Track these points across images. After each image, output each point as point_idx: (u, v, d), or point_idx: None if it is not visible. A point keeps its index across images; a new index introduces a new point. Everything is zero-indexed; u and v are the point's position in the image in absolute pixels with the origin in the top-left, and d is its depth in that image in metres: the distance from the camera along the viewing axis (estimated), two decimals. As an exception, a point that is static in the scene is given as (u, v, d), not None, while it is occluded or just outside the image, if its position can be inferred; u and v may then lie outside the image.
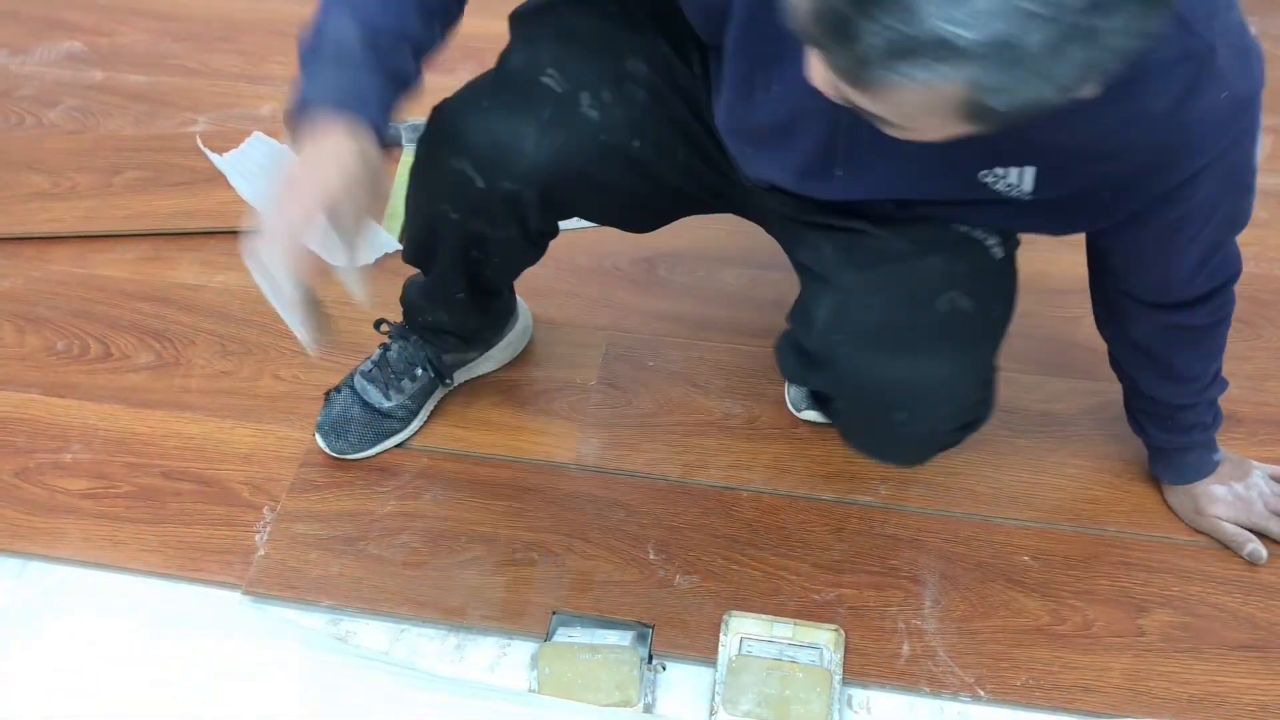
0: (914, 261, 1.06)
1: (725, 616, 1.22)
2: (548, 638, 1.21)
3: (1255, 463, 1.31)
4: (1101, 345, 1.47)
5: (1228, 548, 1.28)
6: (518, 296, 1.47)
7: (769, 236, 1.23)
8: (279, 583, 1.27)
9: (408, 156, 1.75)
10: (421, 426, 1.42)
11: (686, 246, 1.65)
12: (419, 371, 1.37)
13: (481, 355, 1.44)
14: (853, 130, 0.93)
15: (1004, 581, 1.26)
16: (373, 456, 1.39)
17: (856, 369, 1.06)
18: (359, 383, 1.38)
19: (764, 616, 1.22)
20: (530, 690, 1.17)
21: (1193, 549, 1.28)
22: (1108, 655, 1.20)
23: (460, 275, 1.24)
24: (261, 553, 1.29)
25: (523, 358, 1.49)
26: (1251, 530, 1.27)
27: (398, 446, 1.40)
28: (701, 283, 1.60)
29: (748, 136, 1.06)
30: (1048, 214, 1.00)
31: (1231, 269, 1.12)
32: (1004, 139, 0.75)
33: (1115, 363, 1.26)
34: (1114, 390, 1.42)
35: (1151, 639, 1.21)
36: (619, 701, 1.15)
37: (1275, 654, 1.19)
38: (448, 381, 1.40)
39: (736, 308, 1.57)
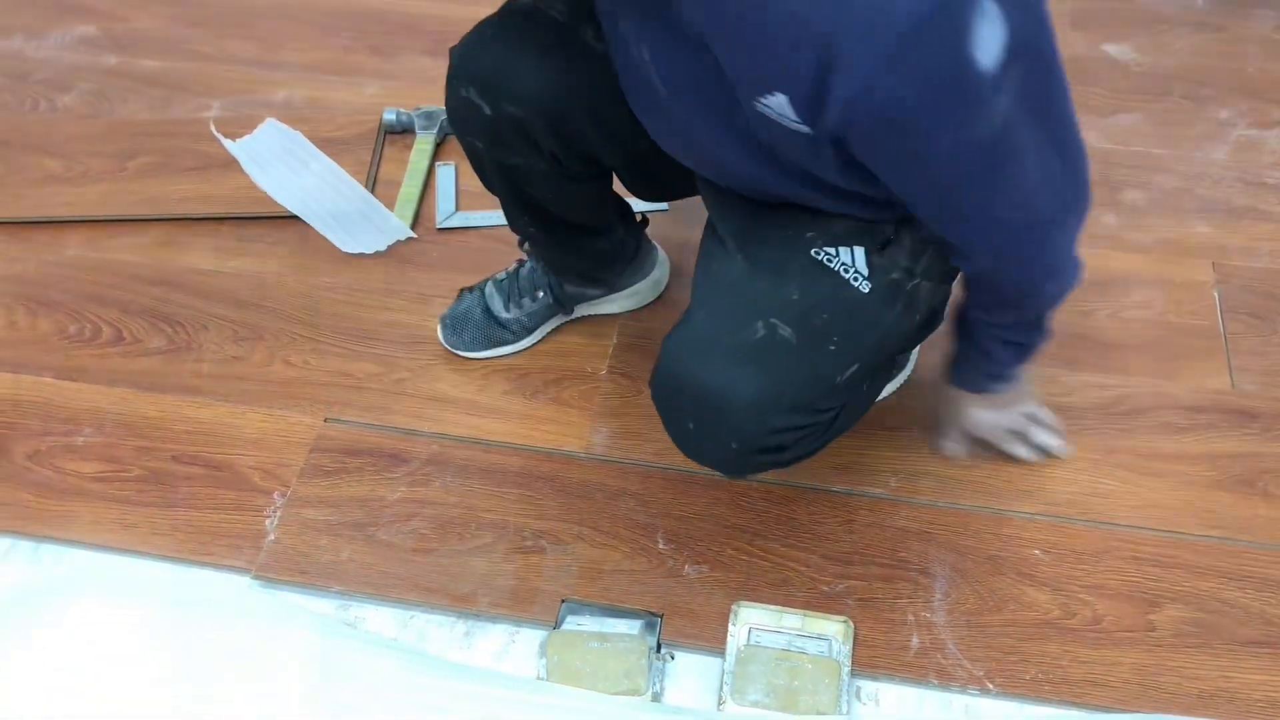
0: (746, 284, 1.07)
1: (734, 607, 1.22)
2: (556, 626, 1.21)
3: (1034, 396, 1.33)
4: (1113, 338, 1.47)
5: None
6: (659, 250, 1.51)
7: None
8: (289, 568, 1.27)
9: (421, 144, 1.74)
10: (534, 344, 1.47)
11: (697, 235, 1.64)
12: (540, 294, 1.43)
13: (604, 296, 1.48)
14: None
15: (1014, 575, 1.25)
16: (483, 359, 1.46)
17: (666, 368, 1.08)
18: (489, 288, 1.45)
19: (773, 607, 1.22)
20: (539, 678, 1.18)
21: (1205, 544, 1.27)
22: (1118, 650, 1.19)
23: (521, 209, 1.29)
24: (271, 537, 1.29)
25: (535, 346, 1.49)
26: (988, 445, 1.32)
27: (506, 357, 1.46)
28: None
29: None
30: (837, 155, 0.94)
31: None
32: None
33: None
34: (1126, 385, 1.42)
35: (1162, 634, 1.20)
36: (627, 690, 1.15)
37: (1287, 651, 1.19)
38: (567, 311, 1.47)
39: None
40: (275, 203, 1.58)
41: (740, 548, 1.29)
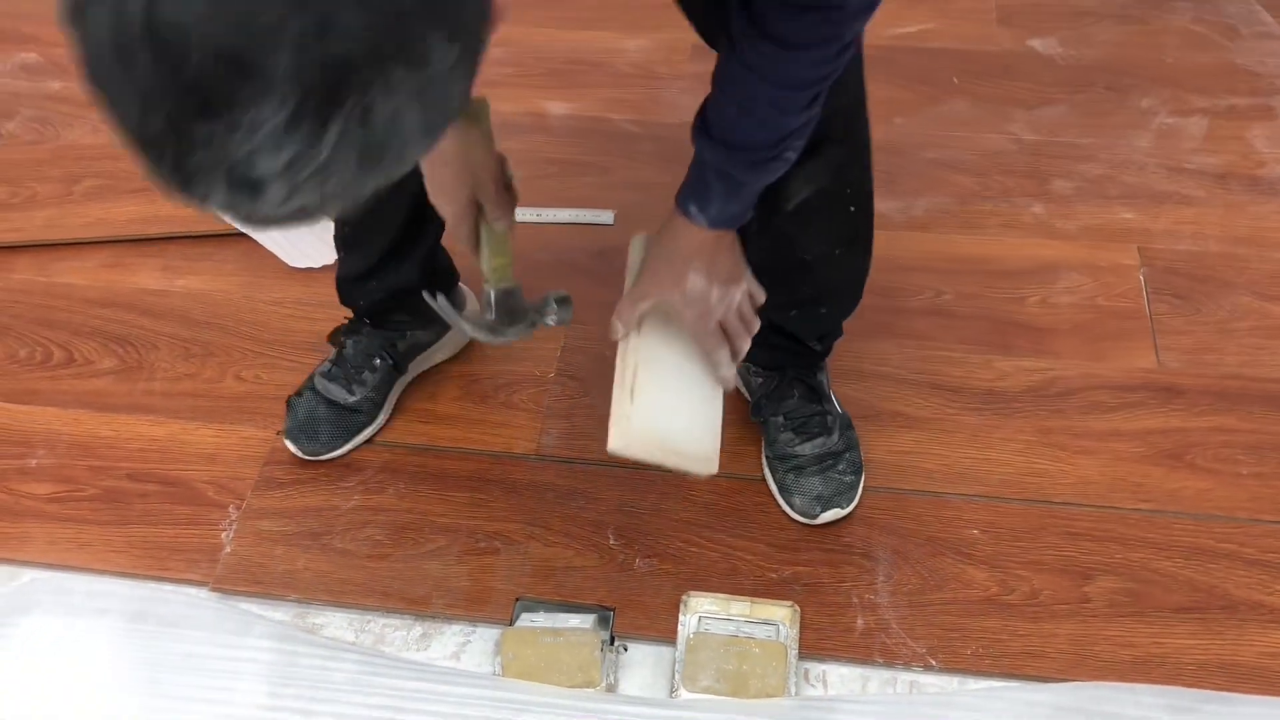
0: None
1: (684, 597, 1.25)
2: (511, 623, 1.24)
3: (748, 281, 1.16)
4: (1045, 323, 1.52)
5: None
6: (463, 288, 1.49)
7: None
8: (245, 578, 1.29)
9: None
10: (388, 420, 1.44)
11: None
12: (377, 362, 1.40)
13: (435, 343, 1.46)
14: None
15: (953, 555, 1.29)
16: (344, 455, 1.41)
17: None
18: (320, 383, 1.40)
19: (721, 596, 1.25)
20: (493, 673, 1.20)
21: (1136, 517, 1.32)
22: (1054, 622, 1.23)
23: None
24: (228, 550, 1.31)
25: (482, 353, 1.52)
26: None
27: (366, 442, 1.42)
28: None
29: None
30: None
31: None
32: None
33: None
34: (1057, 367, 1.47)
35: (1096, 605, 1.25)
36: (582, 682, 1.18)
37: (1214, 615, 1.23)
38: (402, 370, 1.43)
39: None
40: (221, 220, 1.60)
41: (689, 540, 1.32)
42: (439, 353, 1.49)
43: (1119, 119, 1.80)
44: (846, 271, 1.26)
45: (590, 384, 1.47)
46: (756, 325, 1.17)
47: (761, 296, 1.16)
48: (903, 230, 1.64)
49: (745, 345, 1.17)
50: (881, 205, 1.68)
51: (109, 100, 0.59)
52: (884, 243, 1.62)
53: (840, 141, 1.10)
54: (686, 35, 1.12)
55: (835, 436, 1.34)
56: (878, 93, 1.84)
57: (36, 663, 1.20)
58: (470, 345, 1.52)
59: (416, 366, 1.47)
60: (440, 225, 1.23)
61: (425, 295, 1.18)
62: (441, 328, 1.45)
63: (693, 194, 1.07)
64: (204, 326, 1.56)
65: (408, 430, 1.44)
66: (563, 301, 1.22)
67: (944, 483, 1.36)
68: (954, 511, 1.33)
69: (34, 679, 1.19)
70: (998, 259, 1.59)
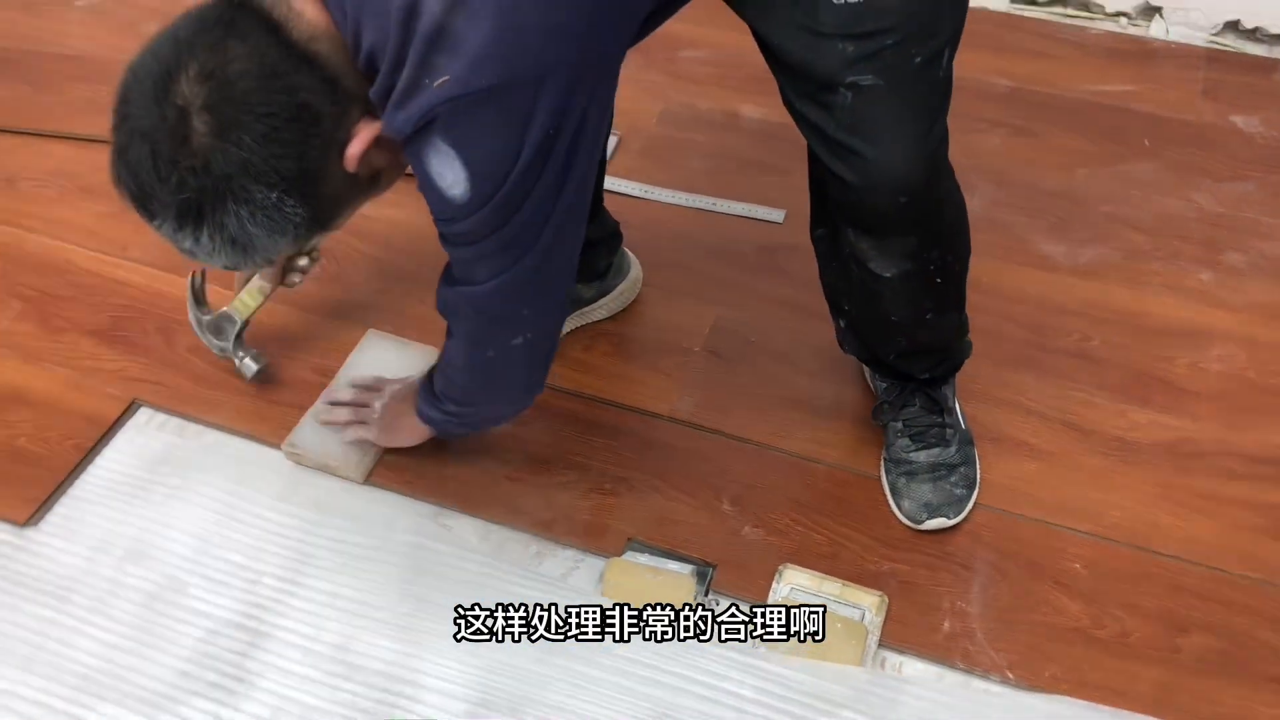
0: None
1: (780, 567, 1.32)
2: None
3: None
4: (1189, 385, 1.53)
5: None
6: (628, 252, 1.61)
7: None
8: (398, 479, 1.43)
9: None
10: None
11: (808, 244, 1.76)
12: None
13: (594, 303, 1.59)
14: None
15: (1051, 582, 1.32)
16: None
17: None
18: None
19: (817, 574, 1.32)
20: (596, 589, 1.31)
21: (1246, 584, 1.32)
22: (1140, 664, 1.25)
23: None
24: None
25: (638, 317, 1.62)
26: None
27: None
28: (816, 276, 1.71)
29: None
30: None
31: None
32: None
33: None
34: (1192, 429, 1.48)
35: (1186, 657, 1.26)
36: (671, 622, 1.27)
37: (1308, 692, 1.23)
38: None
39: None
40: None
41: (797, 519, 1.39)
42: (598, 311, 1.61)
43: (1310, 204, 1.78)
44: (938, 331, 1.32)
45: (732, 363, 1.56)
46: (354, 431, 1.43)
47: (357, 437, 1.43)
48: (1064, 274, 1.67)
49: (323, 416, 1.46)
50: (1049, 248, 1.74)
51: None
52: (1044, 282, 1.68)
53: (906, 234, 1.16)
54: None
55: (953, 449, 1.39)
56: (1066, 143, 1.92)
57: (209, 512, 1.38)
58: (629, 309, 1.63)
59: (576, 320, 1.59)
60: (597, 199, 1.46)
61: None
62: (601, 287, 1.58)
63: (426, 379, 1.31)
64: (400, 252, 1.72)
65: (562, 375, 1.55)
66: (258, 359, 1.51)
67: (1056, 514, 1.39)
68: (1061, 543, 1.36)
69: (205, 522, 1.37)
70: (1153, 316, 1.60)
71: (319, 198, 0.99)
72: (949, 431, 1.40)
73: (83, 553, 1.36)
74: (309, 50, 0.95)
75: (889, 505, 1.40)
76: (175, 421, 1.51)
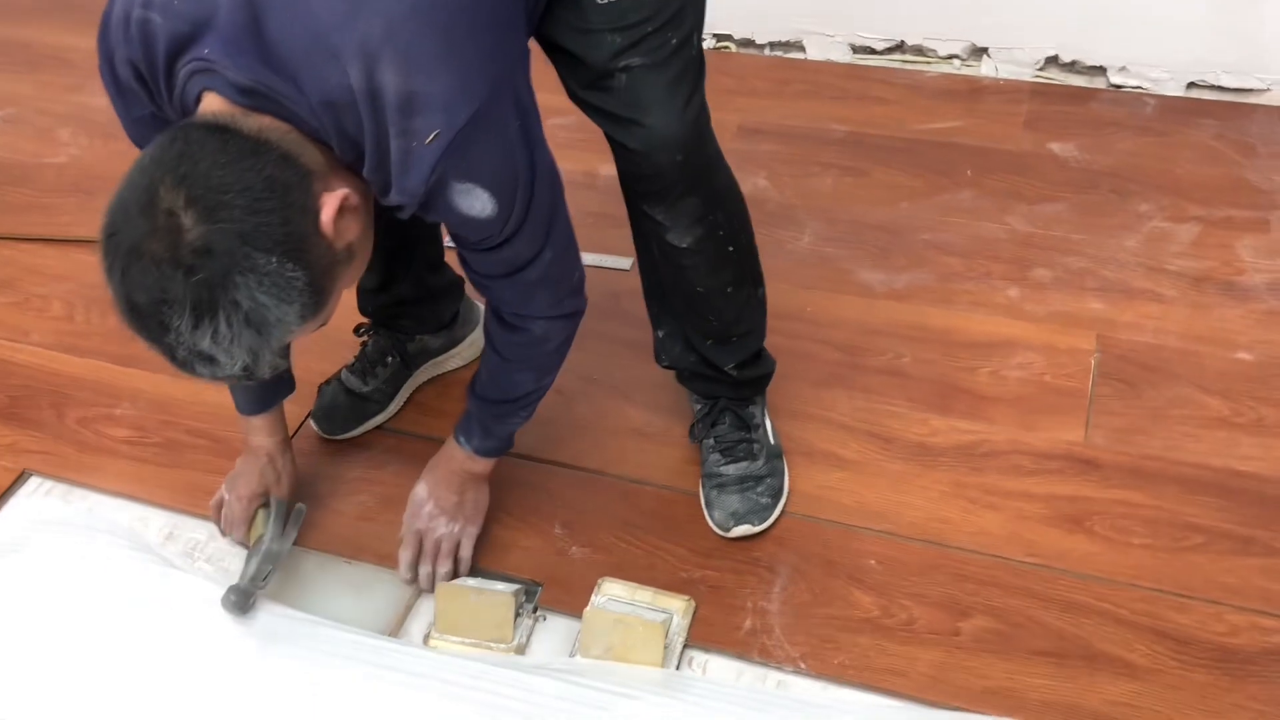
0: None
1: (599, 581, 1.45)
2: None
3: (476, 521, 1.49)
4: (989, 392, 1.66)
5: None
6: (475, 303, 1.75)
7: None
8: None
9: None
10: (399, 410, 1.71)
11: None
12: (389, 359, 1.68)
13: (445, 351, 1.73)
14: None
15: (847, 578, 1.45)
16: (357, 436, 1.68)
17: None
18: (344, 375, 1.69)
19: (632, 584, 1.44)
20: (431, 624, 1.43)
21: (1025, 569, 1.44)
22: (922, 648, 1.37)
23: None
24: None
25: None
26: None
27: (377, 428, 1.69)
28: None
29: None
30: None
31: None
32: None
33: None
34: (987, 431, 1.61)
35: (964, 639, 1.38)
36: (495, 637, 1.39)
37: (1071, 662, 1.34)
38: (411, 369, 1.71)
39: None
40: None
41: (621, 536, 1.52)
42: (452, 360, 1.75)
43: (1114, 220, 1.92)
44: (740, 307, 1.45)
45: (573, 399, 1.70)
46: (446, 567, 1.47)
47: (468, 554, 1.48)
48: (881, 299, 1.81)
49: (430, 568, 1.47)
50: (868, 276, 1.89)
51: (133, 333, 1.03)
52: (861, 307, 1.82)
53: (688, 194, 1.32)
54: (730, 118, 1.36)
55: (760, 462, 1.52)
56: (893, 179, 2.08)
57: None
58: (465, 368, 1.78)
59: (430, 370, 1.74)
60: (428, 254, 1.62)
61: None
62: (449, 337, 1.72)
63: (461, 429, 1.45)
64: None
65: (415, 421, 1.69)
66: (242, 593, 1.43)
67: (856, 517, 1.51)
68: (858, 543, 1.49)
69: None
70: (961, 331, 1.74)
71: (311, 264, 1.03)
72: (756, 446, 1.53)
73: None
74: (261, 139, 1.02)
75: (704, 517, 1.52)
76: (61, 488, 1.65)
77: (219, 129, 1.01)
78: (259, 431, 1.48)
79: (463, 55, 1.06)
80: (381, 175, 1.08)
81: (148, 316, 0.99)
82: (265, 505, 1.49)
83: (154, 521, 1.59)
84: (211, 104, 1.05)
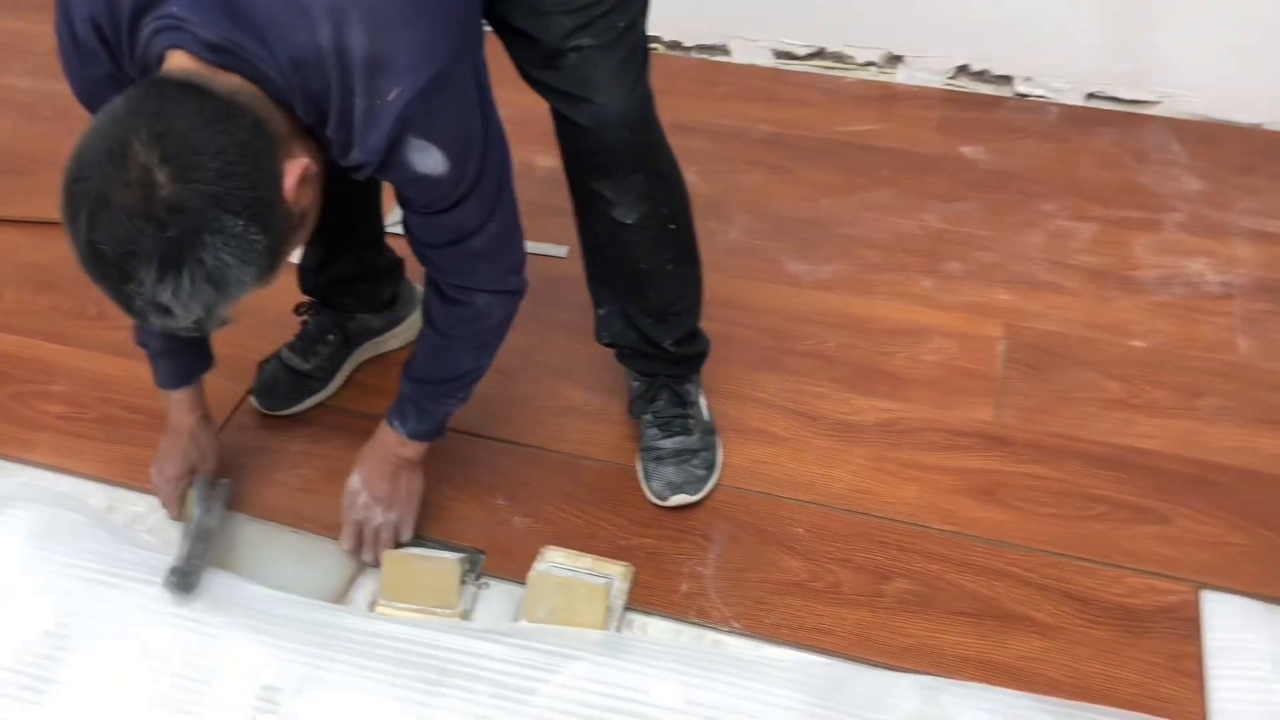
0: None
1: (542, 549, 1.50)
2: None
3: (413, 506, 1.51)
4: (906, 375, 1.76)
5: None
6: (415, 285, 1.79)
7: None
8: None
9: None
10: (339, 389, 1.74)
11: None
12: (330, 337, 1.70)
13: (386, 330, 1.77)
14: None
15: (777, 545, 1.53)
16: (298, 413, 1.71)
17: None
18: (284, 353, 1.72)
19: (574, 551, 1.50)
20: (377, 591, 1.46)
21: (941, 536, 1.54)
22: (848, 609, 1.46)
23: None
24: (188, 469, 1.61)
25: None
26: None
27: (319, 406, 1.72)
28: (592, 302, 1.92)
29: None
30: None
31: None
32: None
33: None
34: (904, 410, 1.70)
35: (887, 600, 1.47)
36: (440, 604, 1.44)
37: (986, 622, 1.44)
38: (352, 348, 1.73)
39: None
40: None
41: (563, 508, 1.58)
42: (392, 341, 1.79)
43: (1020, 218, 2.04)
44: (680, 285, 1.52)
45: (515, 378, 1.75)
46: (379, 555, 1.48)
47: (406, 538, 1.50)
48: (807, 289, 1.90)
49: (366, 556, 1.50)
50: (795, 267, 1.98)
51: (89, 278, 1.04)
52: (788, 296, 1.91)
53: (634, 171, 1.39)
54: (661, 115, 1.43)
55: (695, 437, 1.59)
56: (815, 177, 2.17)
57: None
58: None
59: (370, 349, 1.77)
60: (369, 232, 1.64)
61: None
62: (390, 317, 1.76)
63: (395, 413, 1.47)
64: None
65: (355, 399, 1.73)
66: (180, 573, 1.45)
67: (786, 489, 1.60)
68: (788, 512, 1.57)
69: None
70: (880, 319, 1.84)
71: (272, 228, 1.07)
72: (691, 422, 1.60)
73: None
74: (233, 102, 1.05)
75: (642, 489, 1.59)
76: (-5, 461, 1.65)
77: (193, 88, 1.04)
78: (180, 407, 1.50)
79: (427, 17, 1.11)
80: (344, 133, 1.12)
81: (110, 265, 1.01)
82: (194, 483, 1.52)
83: (93, 495, 1.60)
84: (179, 61, 1.07)
